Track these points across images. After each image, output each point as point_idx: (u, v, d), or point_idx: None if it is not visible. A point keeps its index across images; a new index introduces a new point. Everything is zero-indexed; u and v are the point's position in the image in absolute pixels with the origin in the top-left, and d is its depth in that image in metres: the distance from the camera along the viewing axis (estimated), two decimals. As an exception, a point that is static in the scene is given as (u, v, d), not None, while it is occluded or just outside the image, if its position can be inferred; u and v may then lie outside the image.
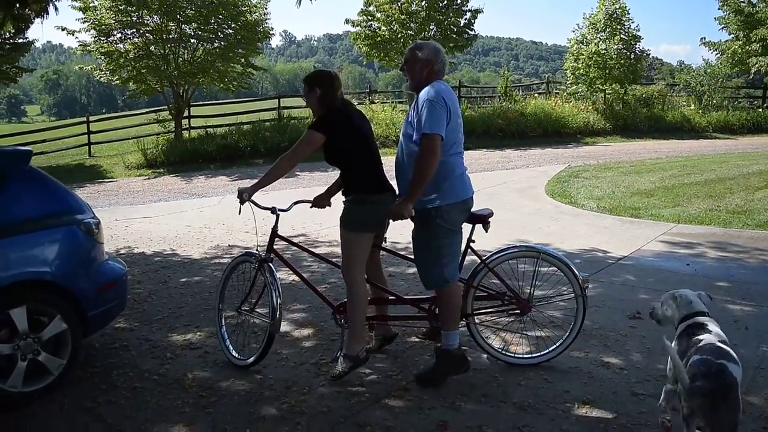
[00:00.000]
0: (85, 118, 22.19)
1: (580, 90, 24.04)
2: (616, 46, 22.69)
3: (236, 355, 4.23)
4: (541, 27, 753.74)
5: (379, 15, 21.83)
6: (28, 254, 3.85)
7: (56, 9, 7.46)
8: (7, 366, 3.67)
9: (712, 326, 3.15)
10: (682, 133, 22.31)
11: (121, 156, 19.37)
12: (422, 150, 3.53)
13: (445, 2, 21.47)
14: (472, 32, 22.48)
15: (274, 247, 4.22)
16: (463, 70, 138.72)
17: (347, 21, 22.42)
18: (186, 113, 21.11)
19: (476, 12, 22.15)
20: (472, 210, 3.89)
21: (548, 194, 10.99)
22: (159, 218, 10.28)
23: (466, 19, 22.14)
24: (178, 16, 18.87)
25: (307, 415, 3.47)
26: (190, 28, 19.59)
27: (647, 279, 6.00)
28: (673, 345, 3.11)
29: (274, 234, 4.22)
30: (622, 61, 22.66)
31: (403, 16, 21.19)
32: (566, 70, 24.88)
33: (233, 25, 19.71)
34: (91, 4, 18.41)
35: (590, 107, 23.18)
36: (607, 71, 22.73)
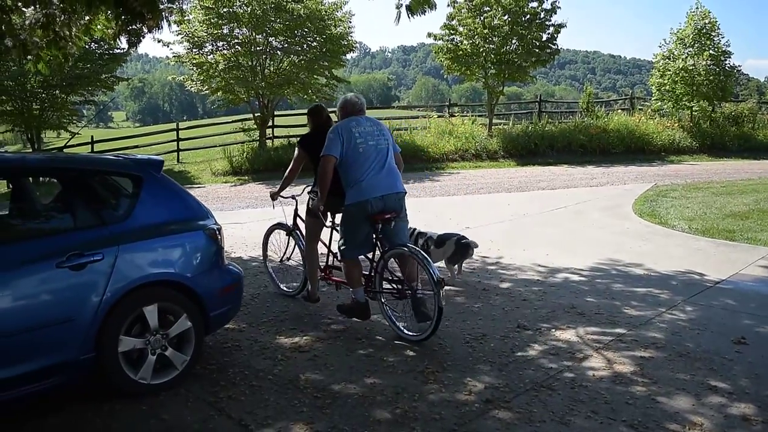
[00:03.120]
0: (173, 125, 23.19)
1: (665, 107, 23.45)
2: (704, 62, 22.06)
3: (284, 288, 6.29)
4: (621, 40, 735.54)
5: (461, 29, 21.90)
6: (159, 256, 4.15)
7: (169, 24, 7.88)
8: (139, 359, 3.97)
9: (424, 230, 6.65)
10: (774, 153, 21.47)
11: (207, 162, 20.11)
12: (320, 166, 5.01)
13: (528, 17, 21.35)
14: (555, 47, 22.24)
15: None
16: (538, 83, 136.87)
17: (429, 35, 22.63)
18: (270, 122, 21.75)
19: (559, 27, 21.88)
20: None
21: (636, 213, 10.78)
22: (249, 224, 10.65)
23: (548, 33, 21.93)
24: (266, 29, 19.52)
25: (421, 421, 3.60)
26: (277, 41, 20.21)
27: (749, 304, 5.87)
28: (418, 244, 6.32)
29: (296, 214, 6.12)
30: (710, 78, 22.02)
31: (485, 31, 21.17)
32: (651, 86, 24.35)
33: (318, 39, 20.20)
34: (186, 18, 19.23)
35: (676, 124, 22.59)
36: (694, 88, 22.14)
